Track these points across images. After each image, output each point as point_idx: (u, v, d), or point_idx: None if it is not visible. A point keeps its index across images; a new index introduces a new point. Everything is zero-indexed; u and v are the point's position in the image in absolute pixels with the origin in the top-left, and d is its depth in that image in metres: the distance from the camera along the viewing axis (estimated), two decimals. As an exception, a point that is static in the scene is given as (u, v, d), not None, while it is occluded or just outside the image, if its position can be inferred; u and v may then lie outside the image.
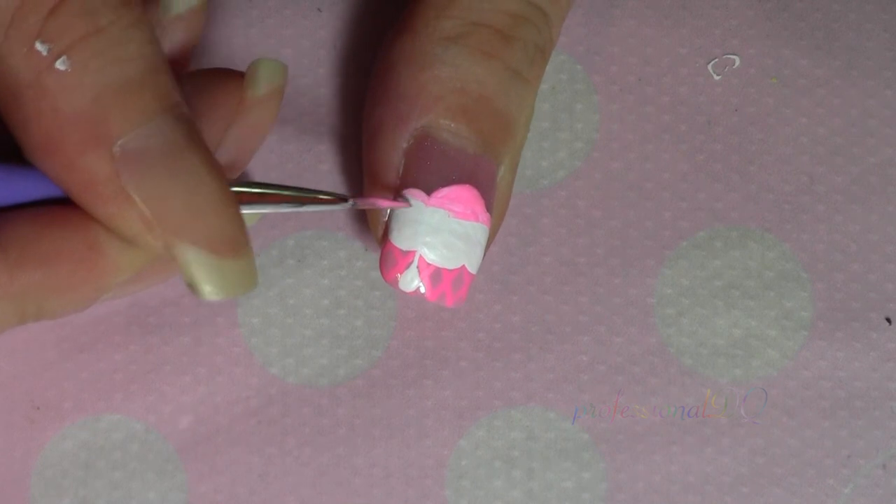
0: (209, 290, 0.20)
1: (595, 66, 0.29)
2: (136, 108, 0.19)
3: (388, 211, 0.25)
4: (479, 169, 0.25)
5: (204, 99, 0.22)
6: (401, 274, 0.25)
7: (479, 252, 0.25)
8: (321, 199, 0.23)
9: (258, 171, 0.28)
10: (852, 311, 0.28)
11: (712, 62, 0.29)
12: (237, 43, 0.28)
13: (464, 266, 0.25)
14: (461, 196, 0.25)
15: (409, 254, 0.25)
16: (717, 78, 0.29)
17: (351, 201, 0.24)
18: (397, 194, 0.25)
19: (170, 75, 0.20)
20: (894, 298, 0.28)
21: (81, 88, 0.19)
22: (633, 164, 0.28)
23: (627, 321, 0.28)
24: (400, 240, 0.25)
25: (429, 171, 0.25)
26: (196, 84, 0.22)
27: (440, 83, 0.25)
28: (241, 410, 0.28)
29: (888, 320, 0.28)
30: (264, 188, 0.22)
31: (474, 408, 0.28)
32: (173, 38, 0.23)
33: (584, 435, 0.28)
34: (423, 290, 0.25)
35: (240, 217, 0.20)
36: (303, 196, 0.23)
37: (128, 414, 0.28)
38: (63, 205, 0.20)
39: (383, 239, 0.25)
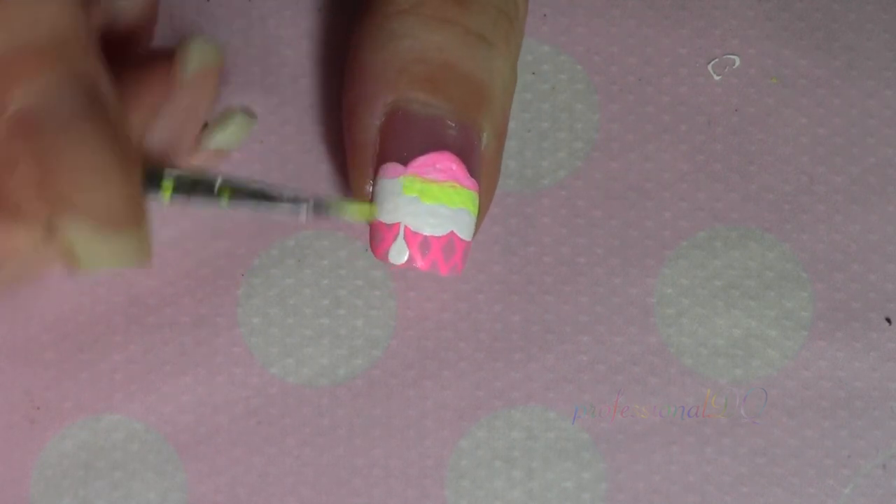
0: (88, 261, 0.20)
1: (595, 66, 0.29)
2: (35, 71, 0.19)
3: (371, 188, 0.25)
4: (455, 136, 0.25)
5: (135, 79, 0.22)
6: (389, 247, 0.25)
7: (468, 218, 0.25)
8: (279, 199, 0.23)
9: (258, 172, 0.28)
10: (852, 311, 0.28)
11: (712, 62, 0.29)
12: (237, 43, 0.28)
13: (452, 232, 0.25)
14: (437, 161, 0.25)
15: (393, 226, 0.25)
16: (717, 78, 0.29)
17: (309, 204, 0.24)
18: (376, 171, 0.25)
19: (82, 46, 0.19)
20: (894, 298, 0.28)
21: None
22: (633, 164, 0.28)
23: (627, 321, 0.28)
24: (383, 214, 0.25)
25: (403, 144, 0.25)
26: (133, 64, 0.22)
27: (401, 56, 0.24)
28: (241, 410, 0.28)
29: (888, 320, 0.28)
30: (227, 183, 0.22)
31: (474, 408, 0.28)
32: (187, 96, 0.23)
33: (584, 435, 0.28)
34: (414, 262, 0.25)
35: (132, 191, 0.20)
36: (262, 195, 0.23)
37: (128, 414, 0.28)
38: None
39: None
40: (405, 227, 0.25)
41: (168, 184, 0.22)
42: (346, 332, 0.28)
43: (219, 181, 0.22)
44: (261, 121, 0.27)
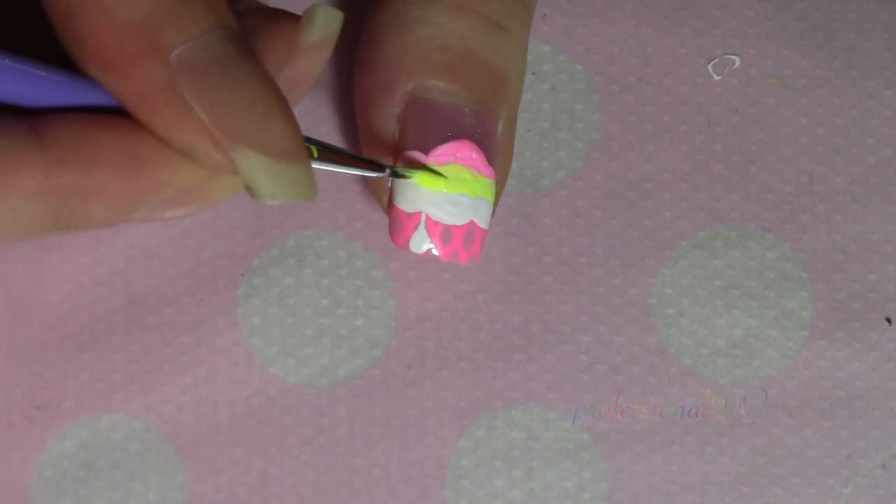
0: (267, 193, 0.21)
1: (595, 66, 0.29)
2: (192, 19, 0.20)
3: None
4: (474, 124, 0.25)
5: (258, 38, 0.22)
6: (410, 236, 0.25)
7: (486, 206, 0.25)
8: (360, 164, 0.24)
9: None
10: (852, 311, 0.28)
11: (712, 62, 0.29)
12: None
13: (472, 221, 0.25)
14: (458, 151, 0.25)
15: (414, 215, 0.25)
16: (717, 78, 0.29)
17: (388, 170, 0.24)
18: (395, 160, 0.25)
19: (224, 1, 0.20)
20: (894, 298, 0.28)
21: (136, 1, 0.19)
22: (633, 164, 0.28)
23: (627, 321, 0.28)
24: (404, 203, 0.25)
25: (423, 132, 0.25)
26: (251, 23, 0.22)
27: (422, 44, 0.25)
28: (241, 410, 0.28)
29: (888, 320, 0.28)
30: (310, 142, 0.23)
31: (474, 408, 0.28)
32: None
33: (584, 435, 0.28)
34: (435, 251, 0.25)
35: (296, 125, 0.21)
36: (343, 156, 0.23)
37: (128, 414, 0.28)
38: (110, 114, 0.20)
39: (389, 205, 0.25)
40: (426, 216, 0.25)
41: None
42: (346, 332, 0.28)
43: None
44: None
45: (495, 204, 0.26)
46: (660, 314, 0.28)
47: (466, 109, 0.25)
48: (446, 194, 0.25)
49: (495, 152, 0.25)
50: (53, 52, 0.20)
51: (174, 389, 0.28)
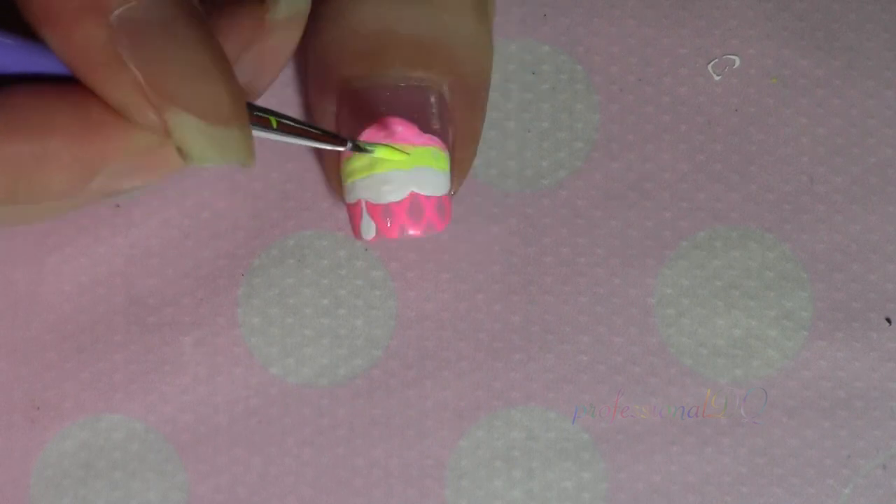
0: (198, 155, 0.21)
1: (595, 66, 0.29)
2: None
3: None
4: (401, 98, 0.25)
5: (224, 16, 0.22)
6: (360, 225, 0.25)
7: (431, 174, 0.25)
8: (321, 137, 0.24)
9: (260, 167, 0.28)
10: (852, 311, 0.28)
11: (712, 62, 0.29)
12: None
13: (413, 193, 0.25)
14: (381, 129, 0.25)
15: (356, 204, 0.25)
16: (717, 78, 0.29)
17: (349, 144, 0.24)
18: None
19: None
20: (894, 298, 0.28)
21: None
22: (633, 164, 0.28)
23: (627, 321, 0.28)
24: (347, 196, 0.25)
25: (356, 123, 0.25)
26: (218, 1, 0.22)
27: (338, 39, 0.25)
28: (241, 410, 0.28)
29: (888, 320, 0.28)
30: (268, 113, 0.23)
31: (474, 408, 0.28)
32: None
33: (584, 435, 0.28)
34: (384, 232, 0.25)
35: (234, 88, 0.21)
36: (303, 129, 0.23)
37: (128, 414, 0.28)
38: (63, 83, 0.20)
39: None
40: (364, 201, 0.25)
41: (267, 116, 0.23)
42: (346, 332, 0.28)
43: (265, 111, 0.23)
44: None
45: (462, 169, 0.26)
46: (660, 314, 0.28)
47: (389, 88, 0.25)
48: (376, 174, 0.25)
49: (444, 119, 0.25)
50: (15, 19, 0.20)
51: (174, 389, 0.28)
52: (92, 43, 0.20)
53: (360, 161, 0.25)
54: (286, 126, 0.23)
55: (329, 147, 0.24)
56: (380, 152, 0.25)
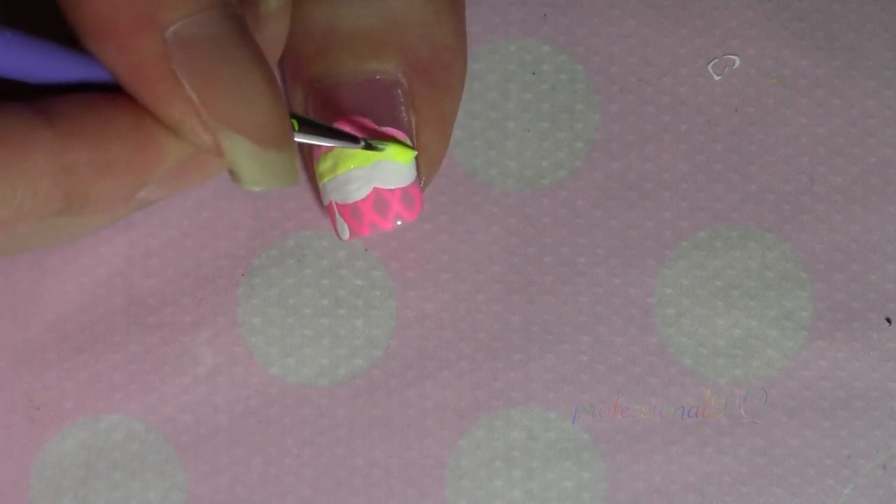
0: (249, 179, 0.21)
1: (595, 66, 0.29)
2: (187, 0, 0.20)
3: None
4: (357, 92, 0.25)
5: None
6: (337, 228, 0.26)
7: (391, 166, 0.25)
8: (336, 136, 0.24)
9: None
10: (852, 311, 0.28)
11: (712, 62, 0.29)
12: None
13: (376, 189, 0.25)
14: (346, 125, 0.25)
15: (329, 207, 0.26)
16: (717, 78, 0.29)
17: (362, 142, 0.24)
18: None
19: None
20: (894, 298, 0.28)
21: None
22: (633, 164, 0.28)
23: (627, 321, 0.28)
24: (322, 198, 0.26)
25: (323, 120, 0.25)
26: None
27: (295, 46, 0.25)
28: (241, 410, 0.28)
29: (888, 320, 0.28)
30: (292, 117, 0.23)
31: (474, 408, 0.28)
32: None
33: (584, 435, 0.28)
34: (356, 231, 0.25)
35: (285, 112, 0.21)
36: (320, 129, 0.24)
37: (128, 414, 0.28)
38: (113, 91, 0.20)
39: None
40: (335, 203, 0.25)
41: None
42: (346, 332, 0.28)
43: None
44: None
45: (432, 156, 0.26)
46: (660, 314, 0.28)
47: (343, 84, 0.25)
48: (339, 175, 0.25)
49: (405, 107, 0.25)
50: (61, 31, 0.20)
51: (174, 389, 0.28)
52: (146, 58, 0.19)
53: (325, 163, 0.25)
54: (305, 128, 0.23)
55: (344, 145, 0.24)
56: (391, 150, 0.25)
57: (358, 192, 0.25)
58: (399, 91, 0.25)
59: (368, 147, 0.24)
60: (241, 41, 0.20)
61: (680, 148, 0.28)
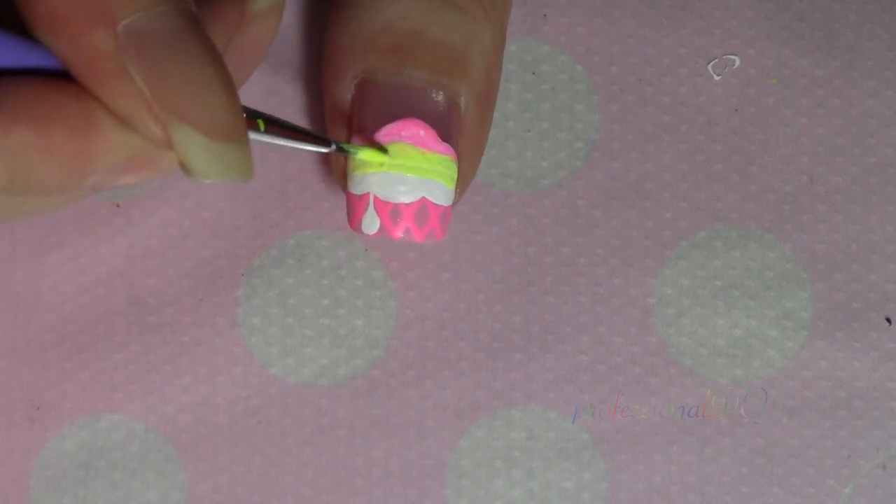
0: (200, 171, 0.21)
1: (595, 66, 0.29)
2: None
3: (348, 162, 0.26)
4: (424, 102, 0.25)
5: (205, 8, 0.22)
6: (362, 218, 0.25)
7: (440, 183, 0.25)
8: (306, 138, 0.24)
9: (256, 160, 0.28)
10: (852, 311, 0.28)
11: (712, 62, 0.29)
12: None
13: (424, 199, 0.25)
14: (403, 129, 0.25)
15: (363, 197, 0.25)
16: (717, 78, 0.29)
17: (333, 146, 0.24)
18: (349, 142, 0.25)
19: None
20: (894, 298, 0.28)
21: None
22: (633, 164, 0.28)
23: (627, 321, 0.28)
24: (354, 186, 0.25)
25: (371, 113, 0.25)
26: None
27: (366, 28, 0.25)
28: (241, 410, 0.28)
29: (888, 320, 0.28)
30: (257, 115, 0.23)
31: (474, 408, 0.28)
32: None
33: (584, 435, 0.28)
34: (387, 230, 0.25)
35: (237, 105, 0.21)
36: (290, 131, 0.23)
37: (128, 414, 0.28)
38: (61, 78, 0.20)
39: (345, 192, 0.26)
40: (374, 196, 0.25)
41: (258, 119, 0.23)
42: (346, 332, 0.28)
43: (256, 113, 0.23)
44: (259, 104, 0.28)
45: (466, 182, 0.26)
46: (660, 314, 0.28)
47: (414, 89, 0.25)
48: (391, 173, 0.25)
49: (456, 129, 0.25)
50: (14, 19, 0.20)
51: (174, 389, 0.28)
52: (98, 52, 0.20)
53: (371, 154, 0.25)
54: (273, 128, 0.23)
55: (314, 148, 0.24)
56: (362, 154, 0.25)
57: (406, 194, 0.25)
58: (456, 113, 0.25)
59: (340, 150, 0.24)
60: (193, 36, 0.20)
61: (680, 148, 0.28)
